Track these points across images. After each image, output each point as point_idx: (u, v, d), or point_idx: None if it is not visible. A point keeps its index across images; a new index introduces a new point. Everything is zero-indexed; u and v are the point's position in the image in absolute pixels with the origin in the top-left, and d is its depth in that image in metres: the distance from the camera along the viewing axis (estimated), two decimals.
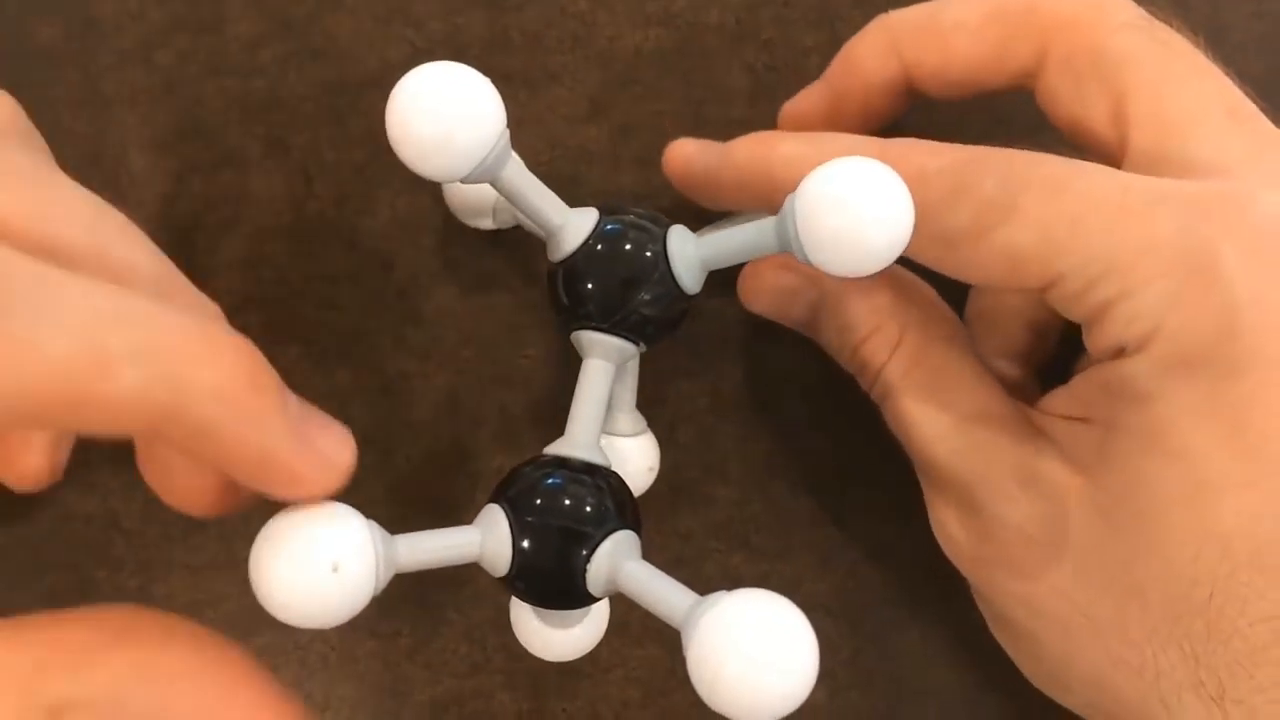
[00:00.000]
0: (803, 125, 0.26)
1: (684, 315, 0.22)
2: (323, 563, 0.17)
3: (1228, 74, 0.22)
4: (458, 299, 0.29)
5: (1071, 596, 0.20)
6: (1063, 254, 0.19)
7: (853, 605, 0.28)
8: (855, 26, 0.29)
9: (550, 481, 0.20)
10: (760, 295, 0.27)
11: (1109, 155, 0.22)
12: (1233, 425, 0.18)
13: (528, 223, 0.26)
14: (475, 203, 0.27)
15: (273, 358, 0.23)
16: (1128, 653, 0.20)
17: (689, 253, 0.21)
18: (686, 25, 0.29)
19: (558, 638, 0.22)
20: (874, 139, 0.23)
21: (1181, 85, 0.21)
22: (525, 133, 0.29)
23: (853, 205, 0.18)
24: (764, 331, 0.28)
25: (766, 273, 0.26)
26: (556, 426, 0.29)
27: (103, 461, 0.28)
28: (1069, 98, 0.23)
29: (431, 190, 0.29)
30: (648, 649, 0.28)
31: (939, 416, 0.23)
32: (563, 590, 0.20)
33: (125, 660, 0.16)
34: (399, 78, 0.29)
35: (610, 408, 0.25)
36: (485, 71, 0.29)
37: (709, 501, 0.29)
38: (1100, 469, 0.20)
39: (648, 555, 0.28)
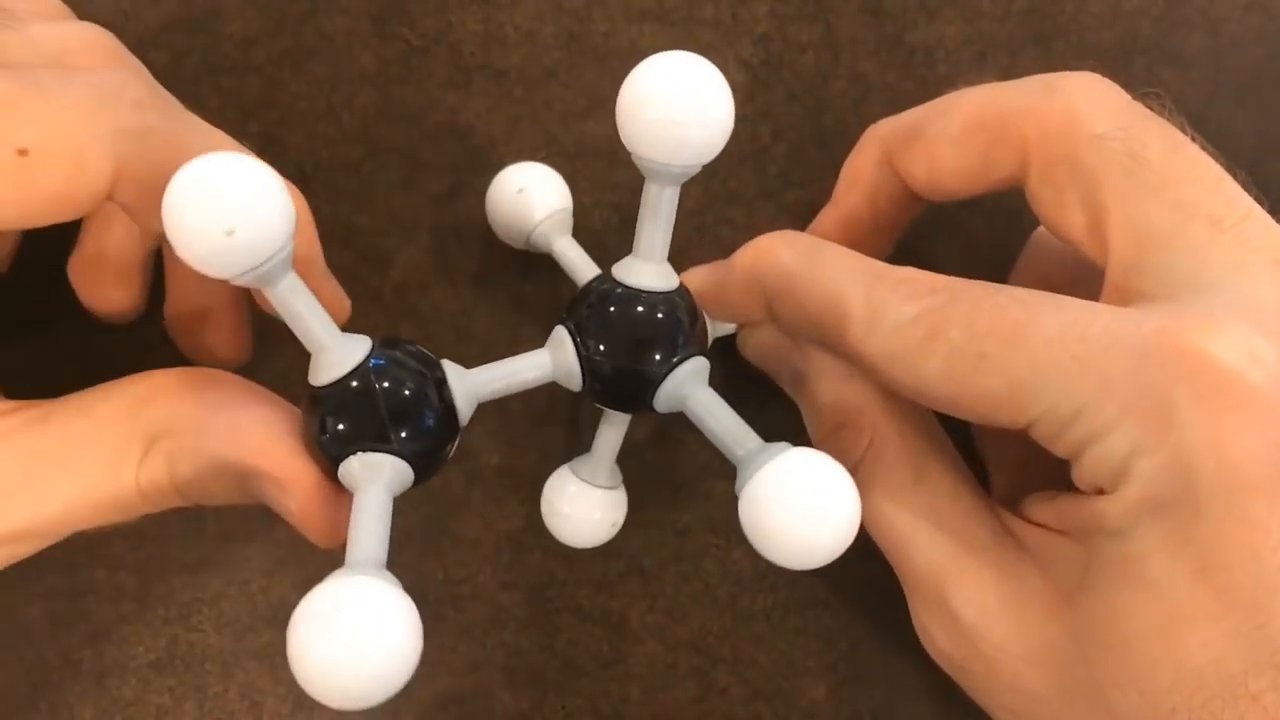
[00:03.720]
0: None
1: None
2: (219, 227, 0.18)
3: (1218, 159, 0.22)
4: (454, 296, 0.29)
5: (1058, 709, 0.21)
6: (1033, 401, 0.20)
7: (851, 599, 0.28)
8: (849, 21, 0.29)
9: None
10: (749, 348, 0.27)
11: (1094, 260, 0.22)
12: (1200, 563, 0.19)
13: (566, 259, 0.27)
14: (518, 224, 0.27)
15: (271, 356, 0.23)
16: None
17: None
18: (681, 20, 0.29)
19: None
20: (863, 263, 0.23)
21: (1158, 198, 0.21)
22: (522, 129, 0.29)
23: (796, 511, 0.19)
24: None
25: (761, 329, 0.26)
26: (553, 422, 0.29)
27: None
28: (1051, 206, 0.23)
29: (428, 189, 0.29)
30: (647, 646, 0.28)
31: (913, 524, 0.23)
32: None
33: (204, 398, 0.21)
34: (394, 75, 0.29)
35: (594, 456, 0.25)
36: (480, 68, 0.29)
37: (707, 497, 0.29)
38: (1079, 594, 0.20)
39: (647, 551, 0.28)
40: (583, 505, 0.25)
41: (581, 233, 0.29)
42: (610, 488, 0.25)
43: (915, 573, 0.23)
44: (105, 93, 0.20)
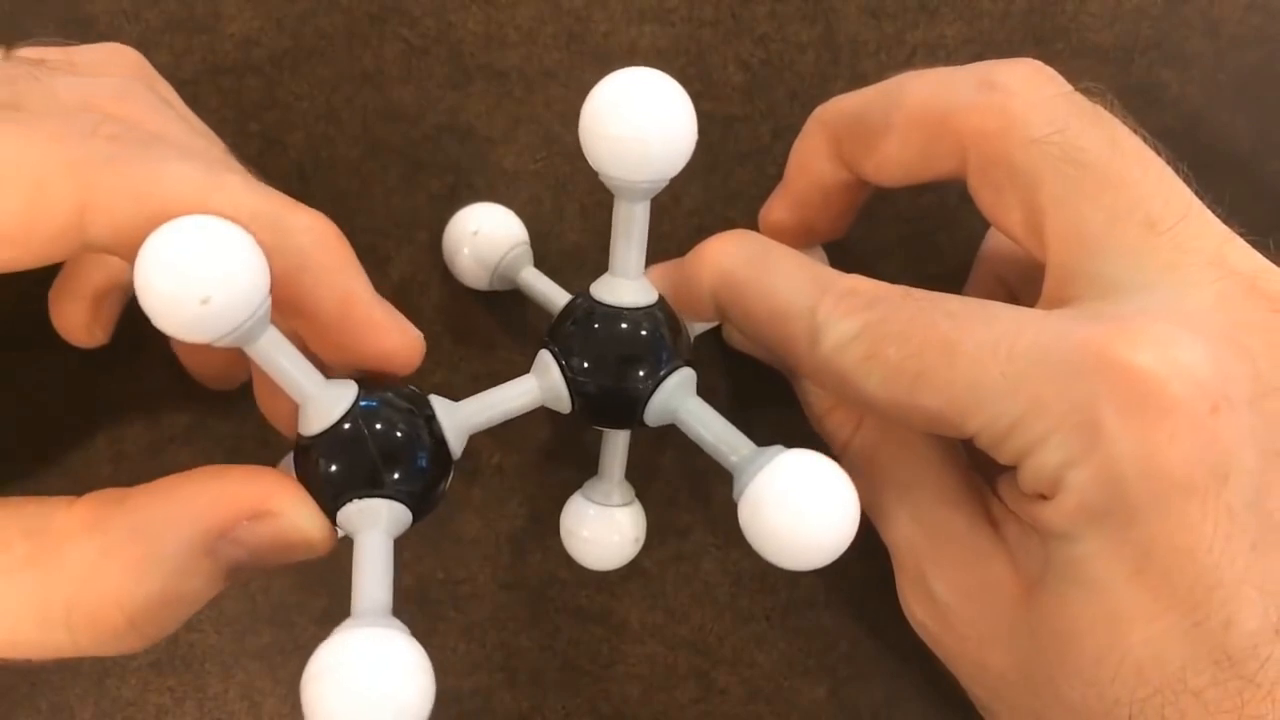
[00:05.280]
0: (777, 231, 0.27)
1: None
2: (193, 295, 0.18)
3: (1163, 153, 0.22)
4: (454, 297, 0.29)
5: (1019, 690, 0.22)
6: (968, 418, 0.20)
7: (850, 599, 0.28)
8: (849, 21, 0.29)
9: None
10: (735, 340, 0.27)
11: (1035, 257, 0.23)
12: (1137, 565, 0.19)
13: (535, 290, 0.27)
14: (480, 265, 0.27)
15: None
16: None
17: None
18: (681, 21, 0.29)
19: None
20: (807, 273, 0.23)
21: (1095, 202, 0.21)
22: (521, 130, 0.29)
23: (796, 513, 0.19)
24: None
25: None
26: (552, 424, 0.29)
27: (102, 463, 0.28)
28: (990, 204, 0.23)
29: (428, 189, 0.29)
30: (647, 646, 0.28)
31: (898, 504, 0.24)
32: None
33: (125, 508, 0.19)
34: (394, 75, 0.29)
35: (603, 478, 0.25)
36: (480, 68, 0.29)
37: (707, 497, 0.29)
38: (1038, 587, 0.21)
39: (647, 551, 0.28)
40: (602, 528, 0.25)
41: (581, 234, 0.29)
42: (625, 504, 0.25)
43: (899, 549, 0.24)
44: (75, 124, 0.19)
